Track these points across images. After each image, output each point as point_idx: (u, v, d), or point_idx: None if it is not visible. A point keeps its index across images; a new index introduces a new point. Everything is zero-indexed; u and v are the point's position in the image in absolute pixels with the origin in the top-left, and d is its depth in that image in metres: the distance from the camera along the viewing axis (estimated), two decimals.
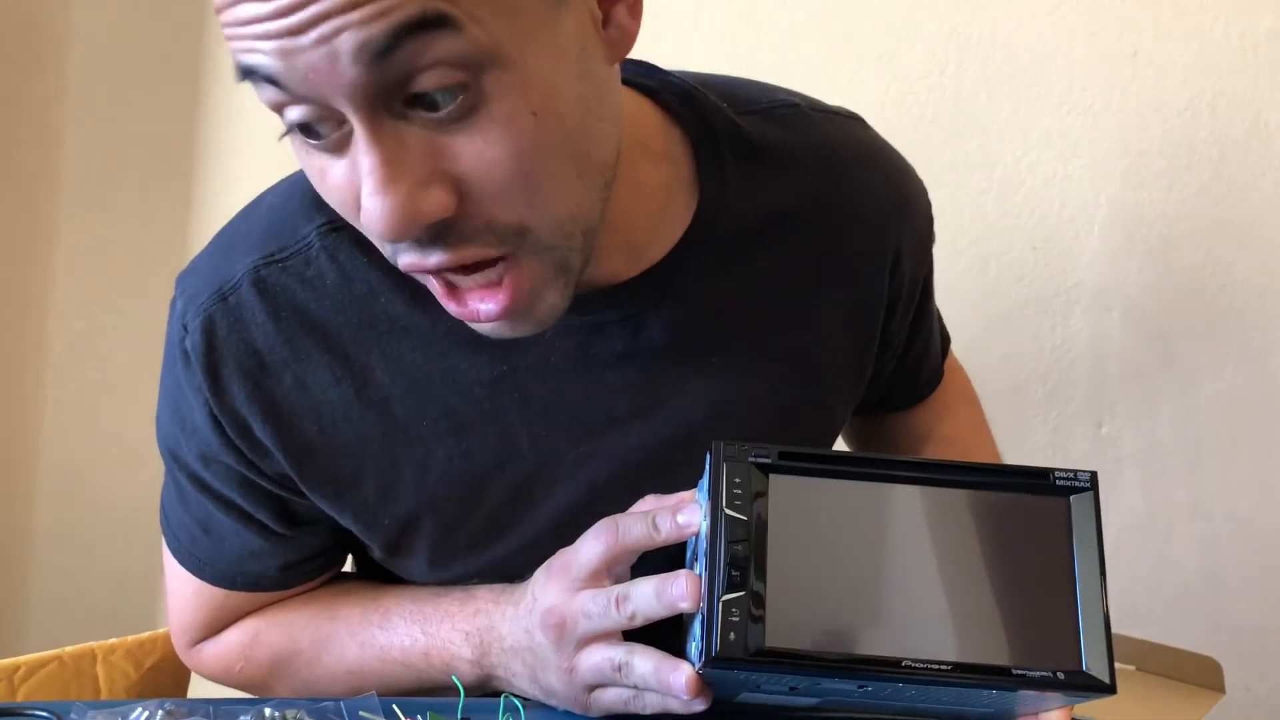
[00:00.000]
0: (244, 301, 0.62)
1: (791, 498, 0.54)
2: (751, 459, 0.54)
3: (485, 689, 0.63)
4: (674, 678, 0.53)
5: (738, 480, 0.54)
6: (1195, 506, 1.61)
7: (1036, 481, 0.56)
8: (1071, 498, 0.55)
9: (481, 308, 0.52)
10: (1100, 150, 1.53)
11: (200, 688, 0.75)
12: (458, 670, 0.63)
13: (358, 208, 0.49)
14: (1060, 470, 0.56)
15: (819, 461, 0.55)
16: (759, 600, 0.52)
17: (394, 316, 0.62)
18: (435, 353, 0.63)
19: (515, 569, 0.64)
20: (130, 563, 1.33)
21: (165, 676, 0.78)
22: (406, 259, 0.51)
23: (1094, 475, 0.56)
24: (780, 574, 0.53)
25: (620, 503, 0.59)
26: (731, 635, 0.51)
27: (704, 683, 0.53)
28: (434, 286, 0.53)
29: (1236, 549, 1.62)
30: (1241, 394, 1.62)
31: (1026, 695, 0.54)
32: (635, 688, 0.55)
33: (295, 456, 0.63)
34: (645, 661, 0.54)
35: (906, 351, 0.79)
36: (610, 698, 0.56)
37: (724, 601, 0.52)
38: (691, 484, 0.58)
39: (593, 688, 0.57)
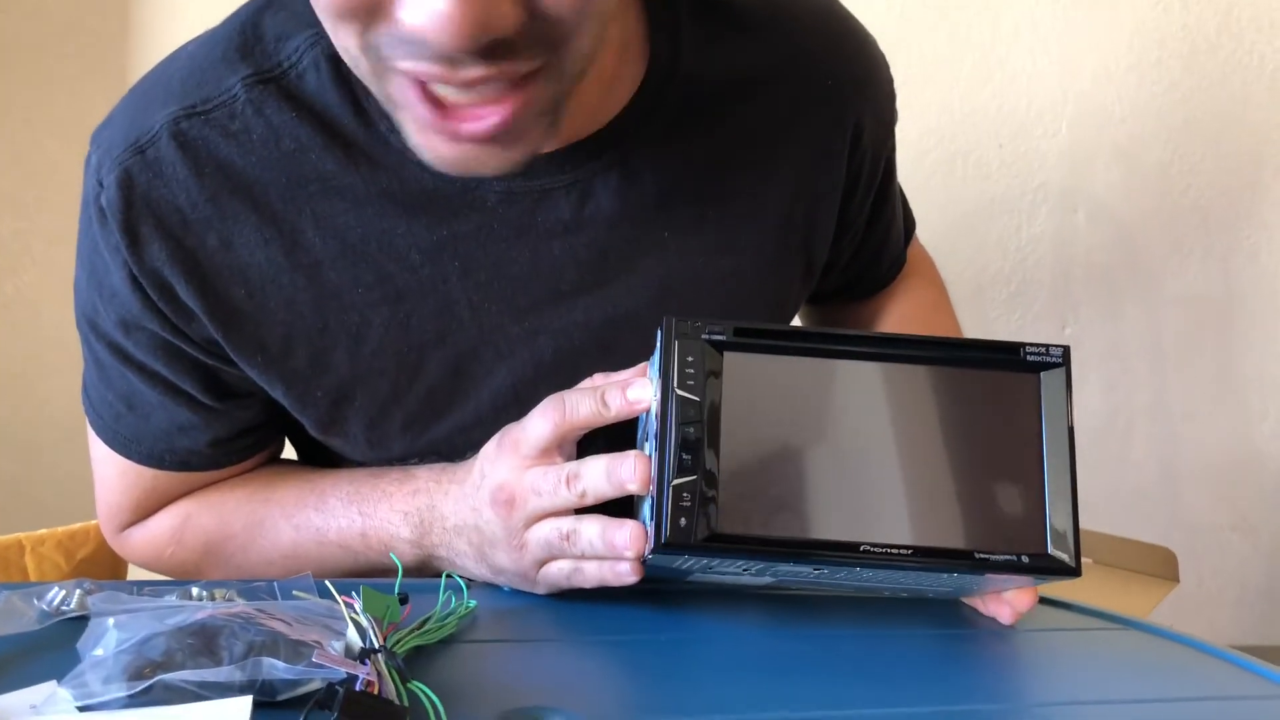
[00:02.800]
0: (163, 155, 0.57)
1: (746, 377, 0.51)
2: (705, 336, 0.50)
3: (426, 570, 0.61)
4: (619, 534, 0.51)
5: (690, 359, 0.50)
6: (1155, 407, 1.62)
7: (1005, 357, 0.53)
8: (1042, 374, 0.52)
9: (468, 127, 0.48)
10: (1070, 44, 1.50)
11: (138, 578, 0.73)
12: (397, 551, 0.61)
13: (380, 16, 0.45)
14: (1031, 345, 0.53)
15: (776, 338, 0.51)
16: (711, 484, 0.49)
17: (325, 175, 0.59)
18: (370, 215, 0.59)
19: (457, 450, 0.62)
20: (73, 465, 1.30)
21: (99, 568, 0.75)
22: (423, 67, 0.46)
23: (1066, 350, 0.53)
24: (734, 457, 0.49)
25: (565, 383, 0.56)
26: (682, 520, 0.48)
27: (645, 532, 0.51)
28: (411, 97, 0.49)
29: (1194, 449, 1.63)
30: (1203, 294, 1.62)
31: (989, 578, 0.53)
32: (579, 556, 0.53)
33: (222, 321, 0.59)
34: (592, 525, 0.52)
35: (867, 236, 0.76)
36: (555, 571, 0.55)
37: (674, 486, 0.49)
38: (637, 365, 0.56)
39: (542, 563, 0.55)
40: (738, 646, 0.53)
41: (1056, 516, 0.51)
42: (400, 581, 0.50)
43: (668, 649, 0.52)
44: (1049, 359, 0.53)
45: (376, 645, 0.42)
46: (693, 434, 0.50)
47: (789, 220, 0.67)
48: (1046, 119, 1.52)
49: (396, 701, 0.39)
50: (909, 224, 0.83)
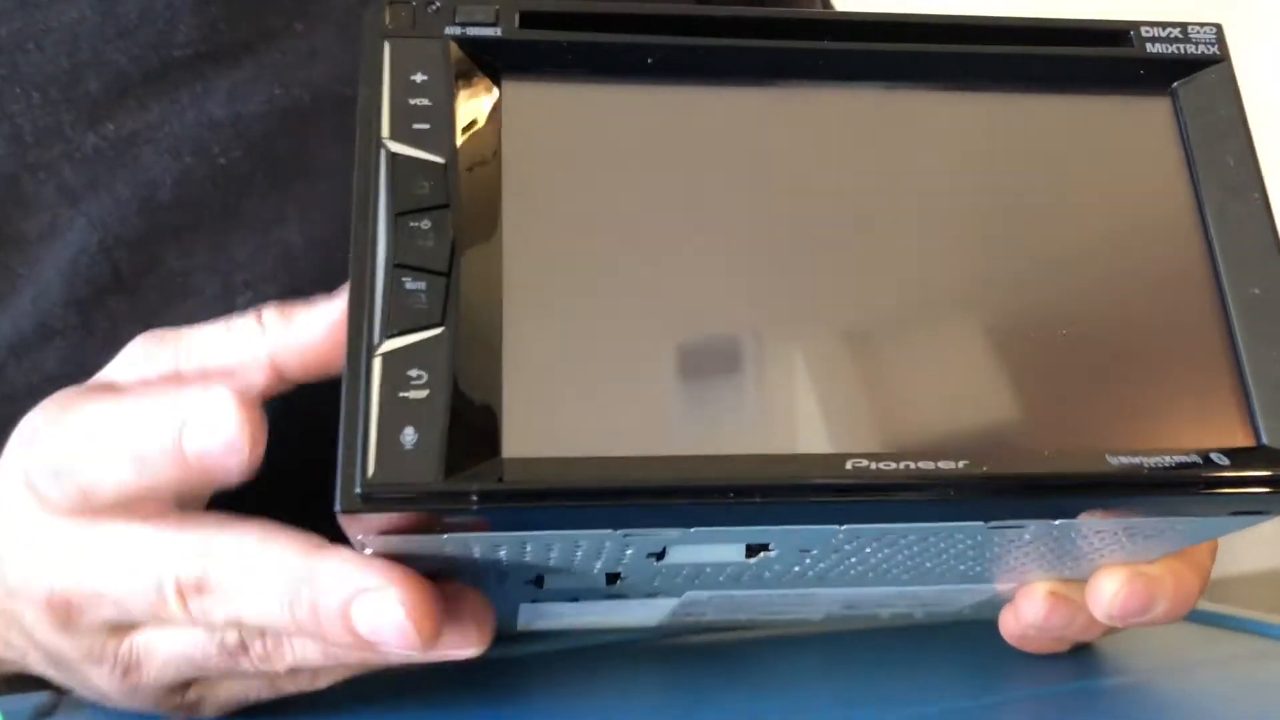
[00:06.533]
0: None
1: (550, 123, 0.24)
2: (453, 33, 0.24)
3: None
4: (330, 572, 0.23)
5: (421, 79, 0.23)
6: None
7: (1102, 54, 0.26)
8: (1178, 87, 0.26)
9: None
10: None
11: None
12: None
13: None
14: (1149, 24, 0.26)
15: (608, 28, 0.24)
16: (480, 349, 0.22)
17: None
18: None
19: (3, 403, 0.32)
20: None
21: None
22: None
23: (1219, 30, 0.26)
24: (526, 293, 0.23)
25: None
26: (408, 434, 0.21)
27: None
28: None
29: None
30: None
31: (1126, 526, 0.25)
32: (249, 648, 0.25)
33: None
34: (229, 553, 0.24)
35: None
36: (231, 693, 0.27)
37: (385, 355, 0.21)
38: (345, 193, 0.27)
39: (180, 687, 0.27)
40: None
41: (1265, 377, 0.24)
42: None
43: None
44: (1190, 49, 0.26)
45: None
46: (429, 235, 0.22)
47: None
48: None
49: None
50: None
